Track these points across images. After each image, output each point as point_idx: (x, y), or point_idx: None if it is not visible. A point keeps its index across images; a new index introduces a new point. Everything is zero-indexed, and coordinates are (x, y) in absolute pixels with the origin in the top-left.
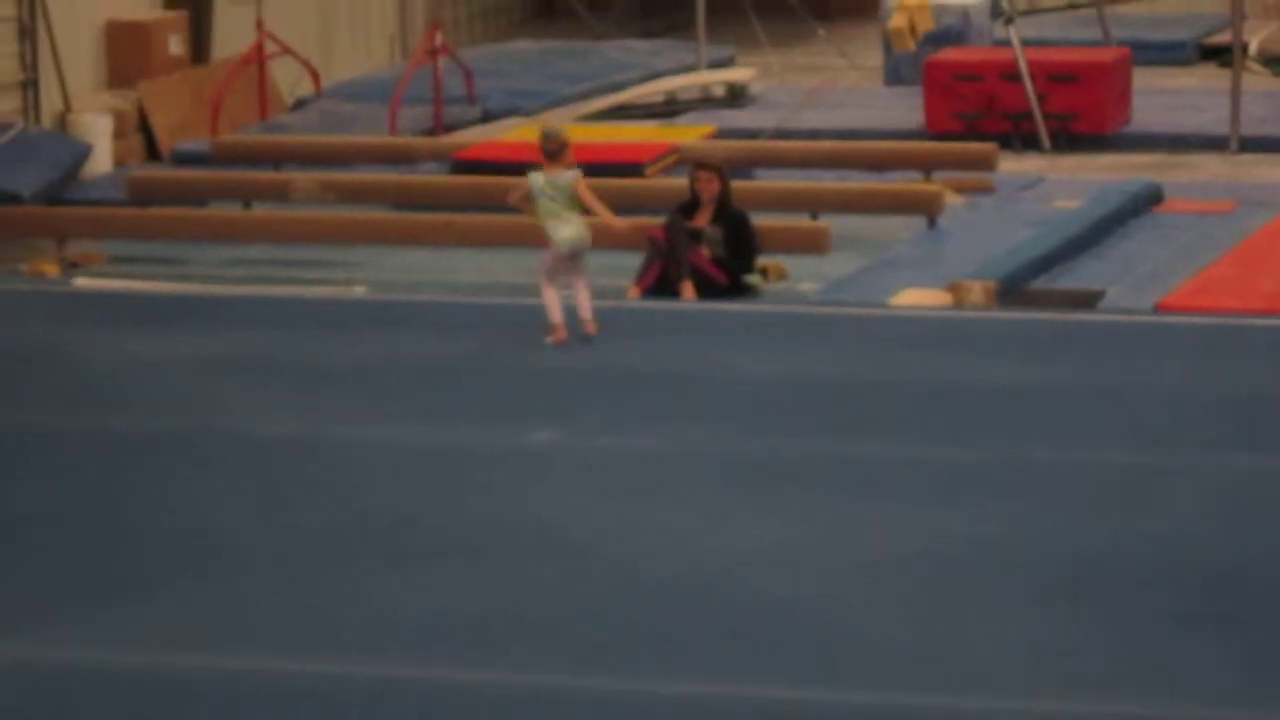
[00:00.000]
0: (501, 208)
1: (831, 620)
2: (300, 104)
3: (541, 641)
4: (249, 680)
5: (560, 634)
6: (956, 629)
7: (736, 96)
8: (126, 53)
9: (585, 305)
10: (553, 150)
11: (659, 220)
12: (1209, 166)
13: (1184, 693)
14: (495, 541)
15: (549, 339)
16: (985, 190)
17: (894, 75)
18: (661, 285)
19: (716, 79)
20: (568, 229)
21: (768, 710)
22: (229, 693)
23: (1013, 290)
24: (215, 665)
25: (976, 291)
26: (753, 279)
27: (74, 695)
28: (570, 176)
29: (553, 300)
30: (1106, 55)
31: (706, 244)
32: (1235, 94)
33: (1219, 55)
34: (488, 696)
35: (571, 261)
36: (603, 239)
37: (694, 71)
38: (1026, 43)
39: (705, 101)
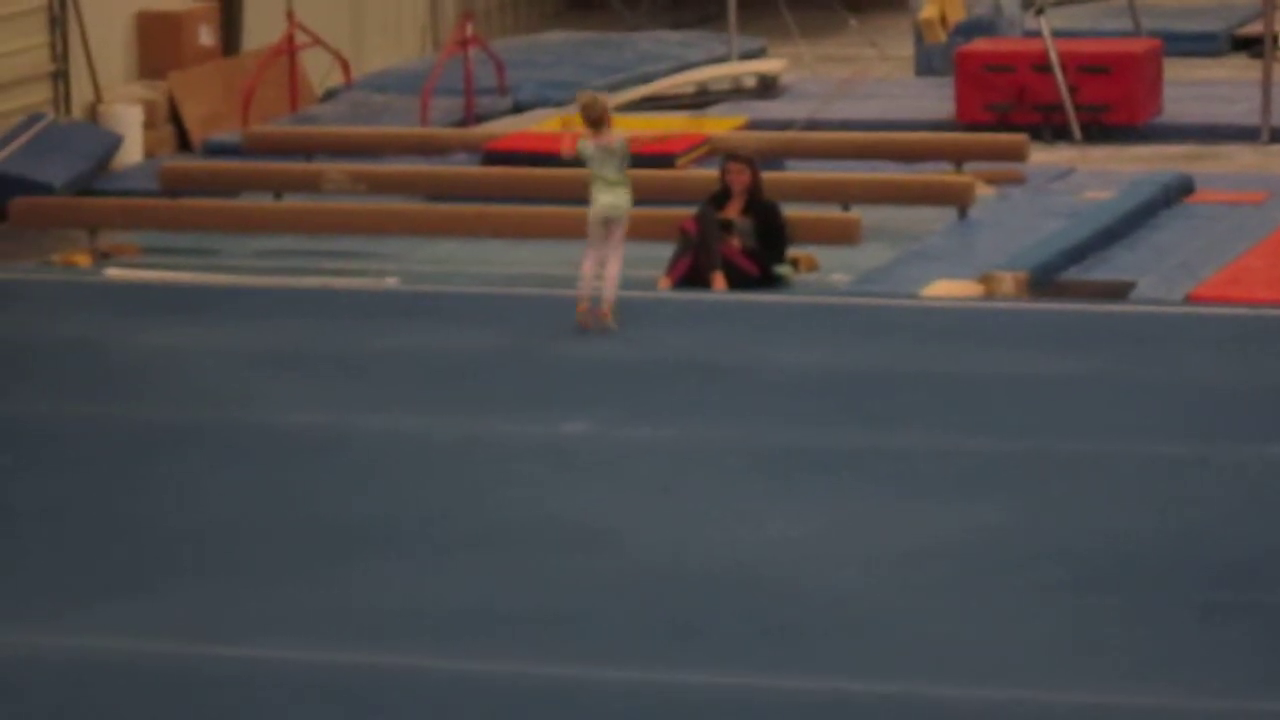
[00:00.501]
0: (533, 198)
1: (862, 611)
2: (331, 95)
3: (572, 632)
4: (276, 670)
5: (591, 625)
6: (986, 619)
7: (767, 87)
8: (157, 43)
9: (607, 287)
10: (595, 118)
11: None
12: (1240, 157)
13: (1211, 683)
14: (526, 533)
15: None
16: (1016, 181)
17: (925, 66)
18: (692, 276)
19: (748, 70)
20: (607, 195)
21: (799, 700)
22: (255, 682)
23: (1044, 281)
24: (244, 655)
25: (1008, 282)
26: (784, 270)
27: (94, 684)
28: (622, 141)
29: (586, 271)
30: (1137, 46)
31: (737, 235)
32: (1266, 85)
33: (1250, 46)
34: (519, 687)
35: (605, 230)
36: (637, 229)
37: (725, 63)
38: (1057, 33)
39: (736, 93)
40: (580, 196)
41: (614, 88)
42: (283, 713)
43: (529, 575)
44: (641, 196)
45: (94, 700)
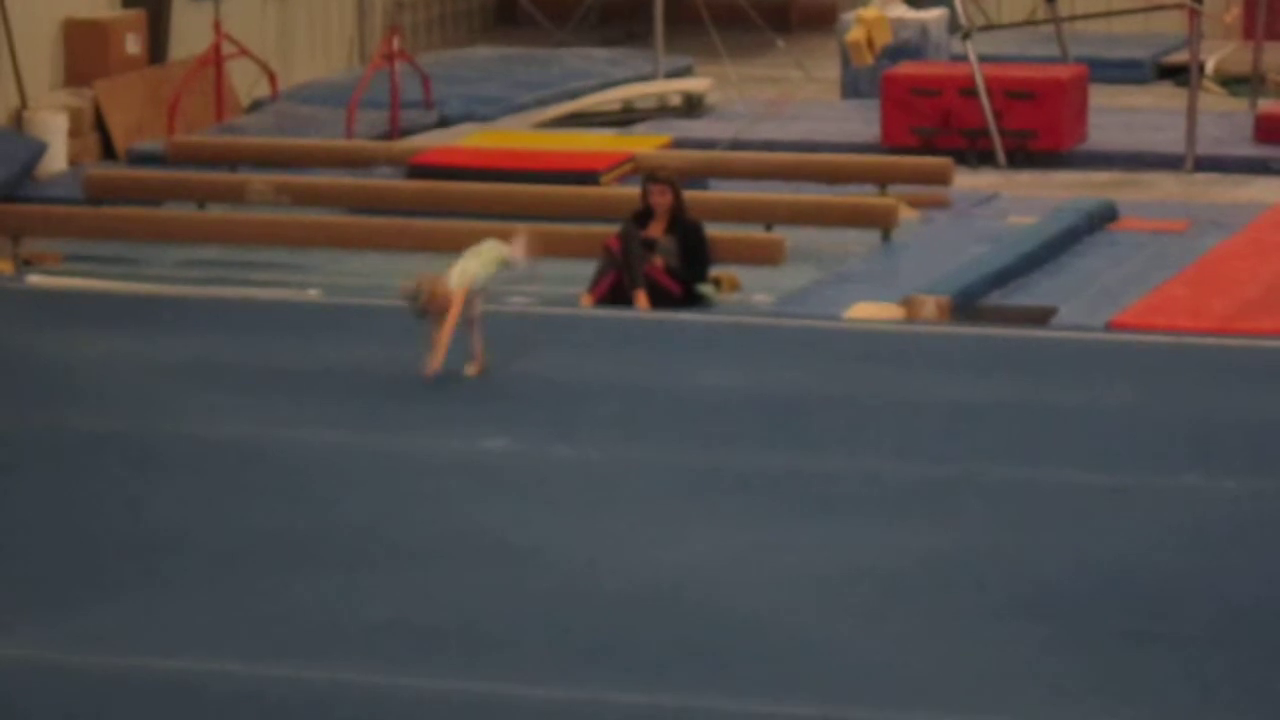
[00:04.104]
0: (457, 213)
1: (783, 634)
2: (257, 106)
3: (492, 650)
4: (198, 682)
5: (510, 642)
6: (908, 644)
7: (693, 107)
8: (84, 51)
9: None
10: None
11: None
12: (1164, 185)
13: (1135, 710)
14: (446, 549)
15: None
16: (941, 205)
17: (851, 89)
18: (615, 295)
19: (674, 89)
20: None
21: None
22: (179, 694)
23: (966, 306)
24: (165, 666)
25: (930, 306)
26: (706, 290)
27: (23, 696)
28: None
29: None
30: (1064, 73)
31: (660, 254)
32: (1191, 114)
33: (1176, 74)
34: (437, 704)
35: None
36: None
37: (651, 81)
38: (984, 59)
39: (662, 111)
40: (506, 212)
41: (540, 103)
42: None
43: (449, 591)
44: (565, 214)
45: (21, 712)
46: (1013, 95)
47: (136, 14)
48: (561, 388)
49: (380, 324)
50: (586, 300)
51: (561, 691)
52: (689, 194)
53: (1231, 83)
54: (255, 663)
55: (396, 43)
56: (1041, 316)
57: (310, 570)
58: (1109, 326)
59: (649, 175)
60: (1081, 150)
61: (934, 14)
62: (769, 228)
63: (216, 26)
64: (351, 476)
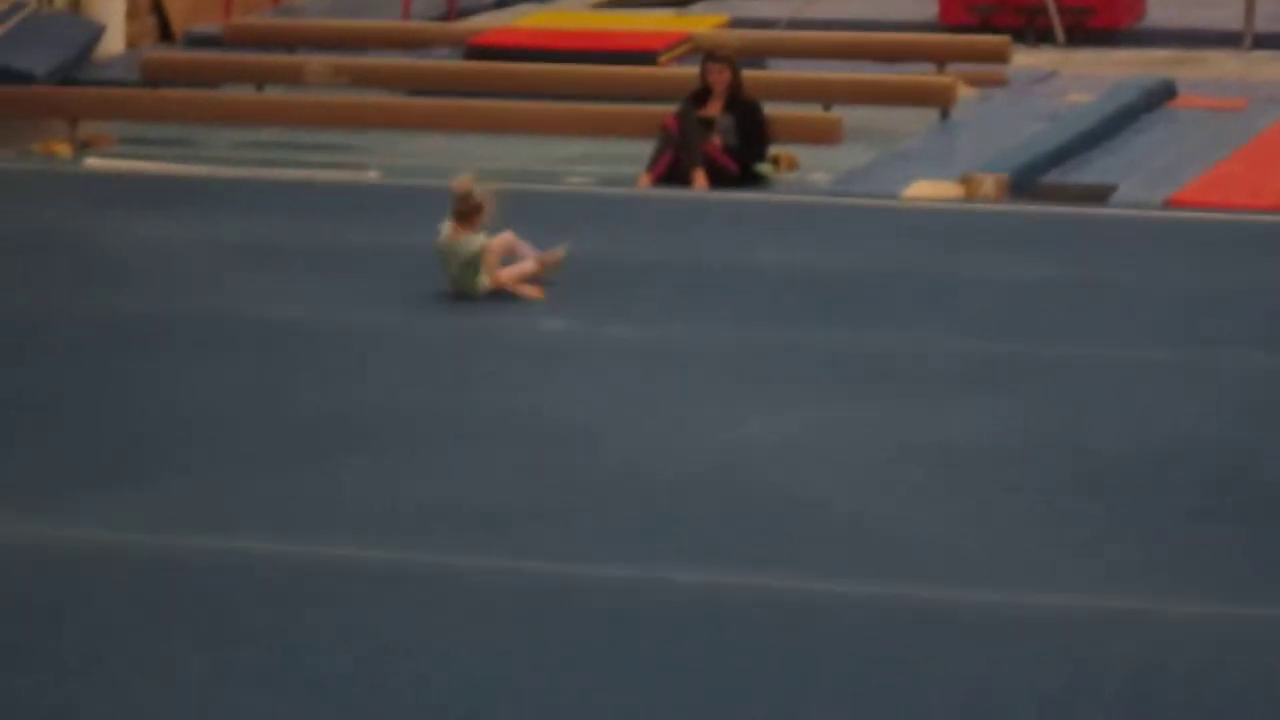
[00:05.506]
0: (515, 93)
1: (840, 512)
2: None
3: (548, 528)
4: (255, 561)
5: (567, 521)
6: (965, 523)
7: None
8: None
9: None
10: (464, 211)
11: (669, 110)
12: (1223, 63)
13: (1194, 588)
14: (503, 428)
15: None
16: (998, 83)
17: None
18: (673, 174)
19: None
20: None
21: (773, 598)
22: (236, 574)
23: (1024, 184)
24: (221, 546)
25: (988, 184)
26: (764, 169)
27: (79, 575)
28: (477, 242)
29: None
30: None
31: (718, 133)
32: None
33: None
34: (496, 582)
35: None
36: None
37: None
38: None
39: None
40: (564, 92)
41: None
42: (269, 601)
43: (506, 471)
44: (623, 94)
45: (81, 589)
46: None
47: None
48: (618, 267)
49: (438, 205)
50: (644, 180)
51: (617, 570)
52: (747, 73)
53: None
54: (314, 541)
55: None
56: (1100, 194)
57: (368, 450)
58: (1167, 204)
59: (707, 54)
60: (1140, 27)
61: None
62: (827, 107)
63: None
64: (408, 357)
